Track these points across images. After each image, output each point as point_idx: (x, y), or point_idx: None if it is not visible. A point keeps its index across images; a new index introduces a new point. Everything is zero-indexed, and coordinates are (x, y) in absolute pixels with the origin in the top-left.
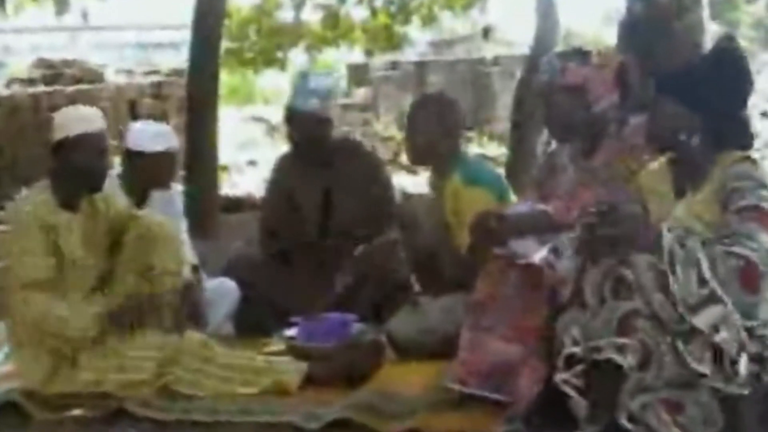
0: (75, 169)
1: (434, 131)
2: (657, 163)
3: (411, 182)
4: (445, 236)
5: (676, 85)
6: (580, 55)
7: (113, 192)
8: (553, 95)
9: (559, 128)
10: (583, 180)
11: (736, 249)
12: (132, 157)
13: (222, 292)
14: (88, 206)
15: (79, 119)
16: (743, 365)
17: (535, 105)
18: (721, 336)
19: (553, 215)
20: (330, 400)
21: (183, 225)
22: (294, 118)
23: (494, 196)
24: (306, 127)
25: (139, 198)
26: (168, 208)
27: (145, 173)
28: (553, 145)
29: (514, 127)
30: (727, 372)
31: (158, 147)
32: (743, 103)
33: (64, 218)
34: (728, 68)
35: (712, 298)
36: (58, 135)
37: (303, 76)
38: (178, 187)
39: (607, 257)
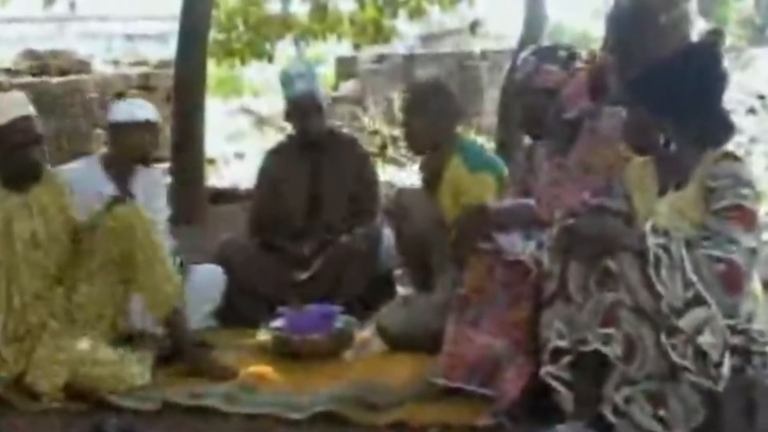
0: (8, 157)
1: (433, 116)
2: (642, 160)
3: (398, 175)
4: (436, 226)
5: (650, 80)
6: (557, 54)
7: (91, 183)
8: (527, 95)
9: (531, 127)
10: (561, 176)
11: (718, 252)
12: (113, 130)
13: (209, 280)
14: (40, 188)
15: (5, 107)
16: (726, 367)
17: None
18: (705, 339)
19: (538, 213)
20: (316, 391)
21: (164, 209)
22: (298, 101)
23: (497, 179)
24: (308, 112)
25: (123, 177)
26: (152, 189)
27: (126, 144)
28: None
29: (501, 120)
30: (710, 371)
31: (136, 117)
32: (717, 97)
33: (16, 200)
34: (700, 63)
35: (697, 301)
36: None
37: (304, 63)
38: (159, 174)
39: (588, 258)
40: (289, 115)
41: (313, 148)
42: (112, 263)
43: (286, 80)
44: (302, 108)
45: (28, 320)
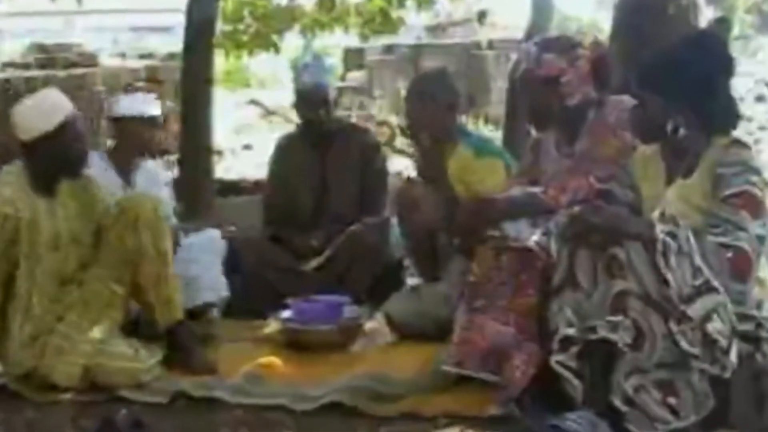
0: (55, 160)
1: (437, 103)
2: (649, 149)
3: (406, 166)
4: (444, 216)
5: (661, 68)
6: (558, 43)
7: (96, 177)
8: (529, 85)
9: (536, 117)
10: (569, 165)
11: (727, 239)
12: (116, 125)
13: (210, 244)
14: (68, 190)
15: (51, 111)
16: (734, 354)
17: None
18: (714, 326)
19: (544, 200)
20: (325, 382)
21: (166, 199)
22: (304, 92)
23: (504, 165)
24: (315, 104)
25: (127, 169)
26: (153, 180)
27: (130, 139)
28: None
29: (509, 110)
30: (718, 358)
31: (139, 112)
32: (724, 84)
33: (42, 207)
34: (707, 50)
35: (706, 288)
36: (34, 133)
37: (314, 55)
38: (159, 166)
39: (596, 246)
40: (296, 106)
41: (322, 139)
42: (120, 250)
43: (296, 71)
44: (308, 99)
45: (45, 323)
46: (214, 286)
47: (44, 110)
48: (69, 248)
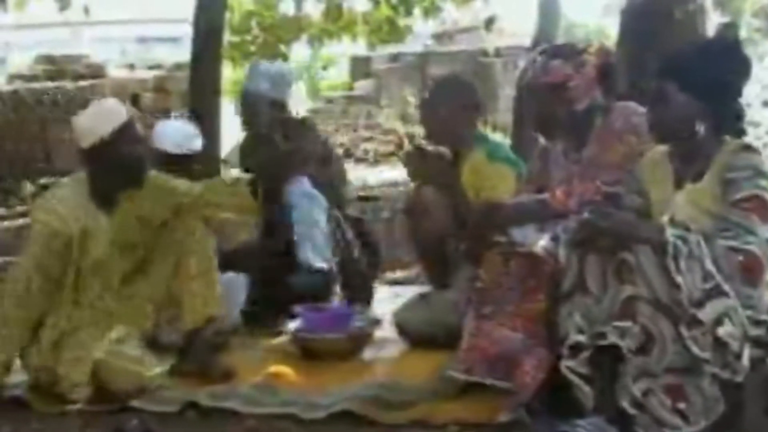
0: (114, 166)
1: (454, 108)
2: (657, 153)
3: None
4: (454, 223)
5: (672, 73)
6: (564, 51)
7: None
8: (536, 93)
9: (543, 125)
10: (577, 172)
11: (737, 243)
12: (160, 156)
13: (233, 286)
14: (129, 202)
15: (107, 116)
16: (746, 358)
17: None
18: (725, 329)
19: (552, 204)
20: (335, 390)
21: None
22: (244, 100)
23: (516, 173)
24: (255, 109)
25: None
26: None
27: (169, 170)
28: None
29: (516, 117)
30: (730, 363)
31: (189, 148)
32: (736, 90)
33: (102, 222)
34: (722, 56)
35: (716, 292)
36: (91, 139)
37: (254, 64)
38: None
39: (606, 251)
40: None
41: (260, 142)
42: (170, 248)
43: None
44: (242, 104)
45: (73, 325)
46: (232, 320)
47: (101, 116)
48: (119, 262)
